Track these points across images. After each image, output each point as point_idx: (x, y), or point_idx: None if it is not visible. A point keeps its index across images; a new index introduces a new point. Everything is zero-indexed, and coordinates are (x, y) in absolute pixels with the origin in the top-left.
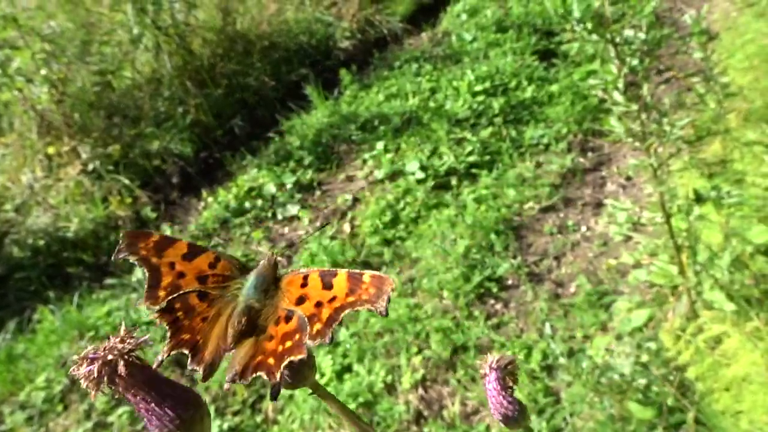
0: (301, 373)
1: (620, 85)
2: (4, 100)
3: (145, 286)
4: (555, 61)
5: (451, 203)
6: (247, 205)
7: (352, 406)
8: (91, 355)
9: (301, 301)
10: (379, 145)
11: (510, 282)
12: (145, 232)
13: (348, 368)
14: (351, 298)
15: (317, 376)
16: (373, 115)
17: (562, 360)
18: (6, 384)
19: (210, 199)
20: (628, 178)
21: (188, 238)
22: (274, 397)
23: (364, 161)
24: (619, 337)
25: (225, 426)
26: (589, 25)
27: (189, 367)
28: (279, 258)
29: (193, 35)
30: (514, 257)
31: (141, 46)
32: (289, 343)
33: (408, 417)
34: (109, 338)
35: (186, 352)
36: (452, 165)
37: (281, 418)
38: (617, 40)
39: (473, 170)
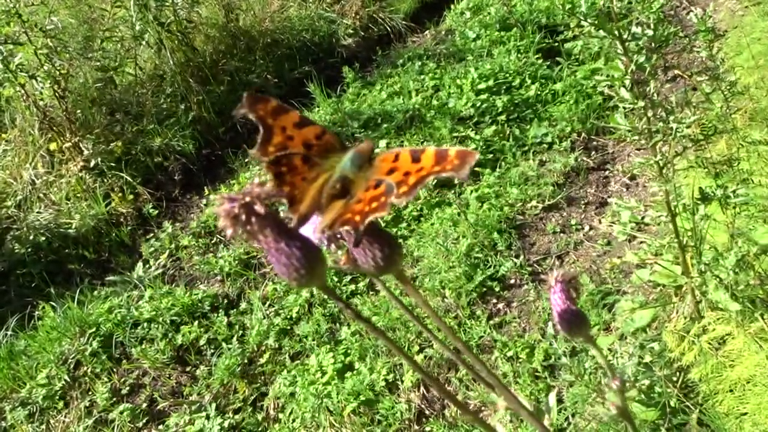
0: (392, 257)
1: (627, 81)
2: (6, 95)
3: (258, 141)
4: (559, 60)
5: (454, 202)
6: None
7: (353, 404)
8: (230, 196)
9: (390, 172)
10: (382, 143)
11: (512, 281)
12: (264, 97)
13: (350, 366)
14: (437, 168)
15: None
16: (376, 113)
17: (564, 359)
18: (7, 380)
19: (212, 197)
20: (632, 177)
21: (190, 236)
22: (357, 243)
23: None
24: (622, 337)
25: (226, 424)
26: (597, 21)
27: (283, 215)
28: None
29: (195, 32)
30: (517, 256)
31: (143, 43)
32: (375, 204)
33: (409, 416)
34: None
35: (285, 201)
36: None
37: (282, 417)
38: (625, 36)
39: (476, 169)
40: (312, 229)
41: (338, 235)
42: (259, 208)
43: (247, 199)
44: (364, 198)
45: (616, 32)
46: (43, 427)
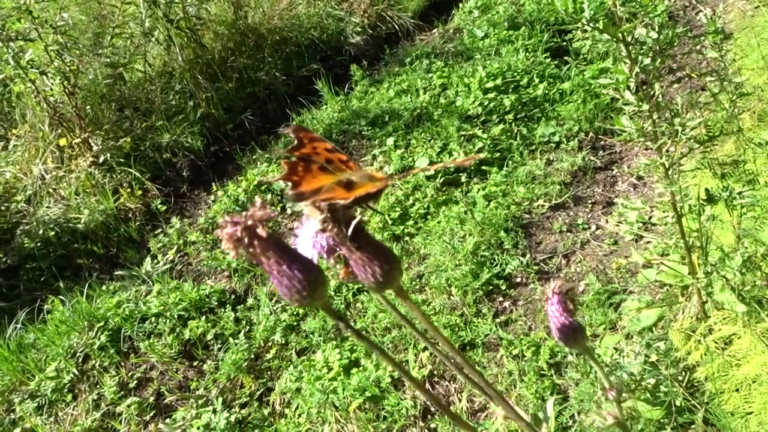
0: (391, 273)
1: (631, 84)
2: (17, 91)
3: (290, 147)
4: (567, 59)
5: (461, 200)
6: (257, 199)
7: (359, 400)
8: (234, 219)
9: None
10: (390, 141)
11: (519, 280)
12: (308, 129)
13: (356, 363)
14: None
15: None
16: (384, 111)
17: (570, 357)
18: (16, 373)
19: (219, 193)
20: (640, 178)
21: (197, 232)
22: (351, 237)
23: (374, 157)
24: (628, 337)
25: (232, 418)
26: (600, 24)
27: (286, 192)
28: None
29: (204, 29)
30: (523, 255)
31: (153, 39)
32: (367, 192)
33: (415, 412)
34: (247, 208)
35: (289, 184)
36: None
37: (288, 412)
38: (629, 39)
39: (483, 167)
40: (311, 244)
41: (337, 249)
42: (261, 231)
43: (250, 222)
44: (361, 189)
45: (620, 35)
46: (52, 419)
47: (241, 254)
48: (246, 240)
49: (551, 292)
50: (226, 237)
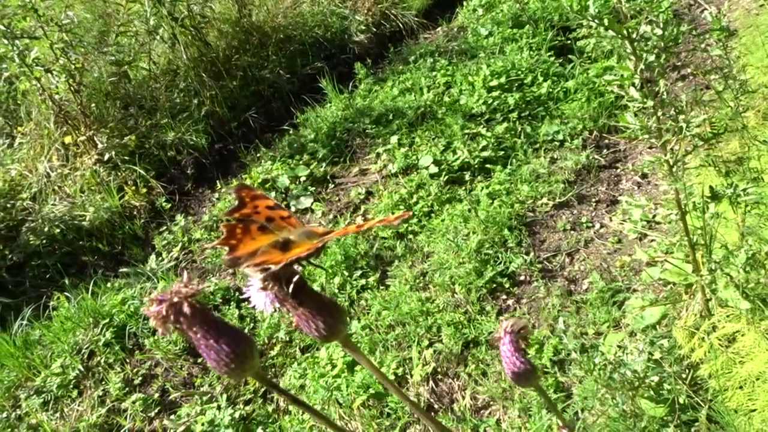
0: (334, 327)
1: (636, 81)
2: (22, 89)
3: (230, 209)
4: (571, 57)
5: (465, 198)
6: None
7: (362, 397)
8: (159, 297)
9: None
10: (393, 139)
11: (522, 278)
12: (250, 186)
13: None
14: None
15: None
16: (388, 109)
17: (574, 355)
18: (22, 369)
19: (224, 191)
20: (644, 176)
21: (202, 229)
22: (293, 294)
23: (378, 155)
24: (632, 334)
25: (237, 415)
26: (605, 22)
27: (223, 257)
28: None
29: (209, 27)
30: (527, 253)
31: (157, 38)
32: (298, 256)
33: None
34: (173, 284)
35: (226, 248)
36: (466, 160)
37: (292, 408)
38: (633, 36)
39: (487, 165)
40: (263, 295)
41: (284, 304)
42: (186, 308)
43: (175, 299)
44: (295, 252)
45: (625, 32)
46: (57, 415)
47: (169, 329)
48: (172, 317)
49: (503, 332)
50: (152, 315)
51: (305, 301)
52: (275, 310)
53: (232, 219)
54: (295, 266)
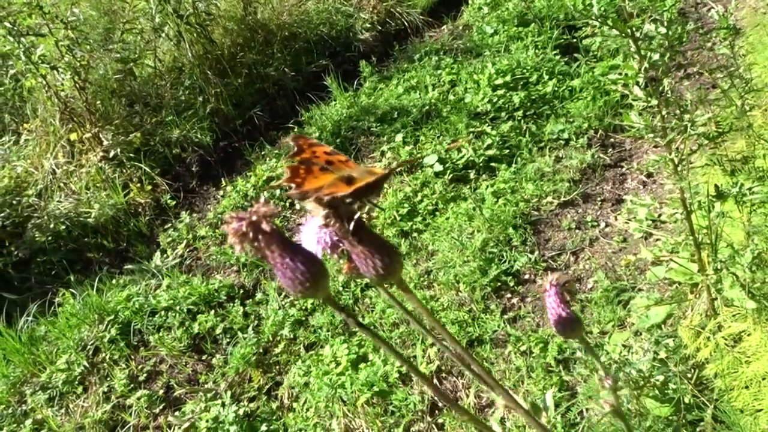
0: (392, 266)
1: (641, 80)
2: (28, 86)
3: (290, 154)
4: (577, 56)
5: (469, 196)
6: (265, 194)
7: (366, 395)
8: (239, 215)
9: None
10: (398, 138)
11: (527, 276)
12: (307, 136)
13: (363, 358)
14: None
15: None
16: (393, 107)
17: (579, 354)
18: (28, 365)
19: (228, 188)
20: (649, 175)
21: (207, 227)
22: (353, 231)
23: (383, 153)
24: (637, 334)
25: (241, 412)
26: (610, 21)
27: (290, 192)
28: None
29: (214, 24)
30: (532, 252)
31: (163, 35)
32: (367, 183)
33: (422, 407)
34: (252, 205)
35: (292, 185)
36: (471, 158)
37: (296, 406)
38: (638, 34)
39: (492, 164)
40: (315, 240)
41: (340, 244)
42: (265, 226)
43: (254, 218)
44: (361, 182)
45: (629, 31)
46: (63, 411)
47: (246, 248)
48: (251, 235)
49: (549, 285)
50: (232, 232)
51: (364, 239)
52: (325, 255)
53: (294, 162)
54: (356, 205)
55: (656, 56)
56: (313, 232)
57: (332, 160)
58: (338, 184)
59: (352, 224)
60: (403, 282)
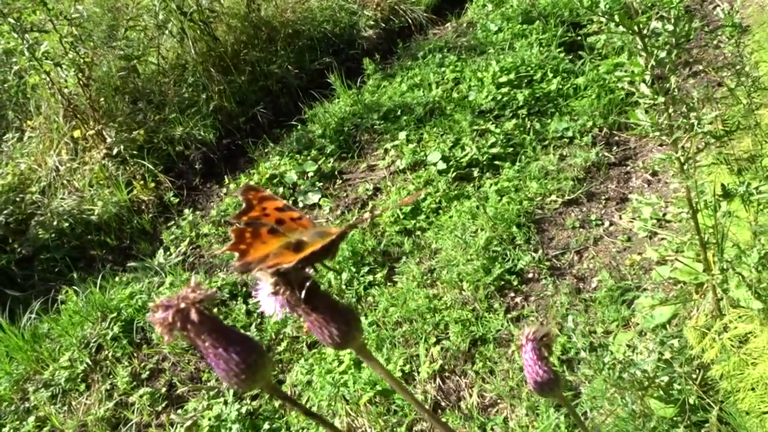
0: (349, 334)
1: (647, 77)
2: (31, 83)
3: (238, 213)
4: (581, 54)
5: (473, 195)
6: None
7: (369, 394)
8: (165, 303)
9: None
10: (402, 135)
11: (531, 275)
12: (257, 187)
13: None
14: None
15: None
16: (396, 105)
17: (583, 354)
18: (30, 362)
19: (232, 186)
20: (654, 174)
21: (210, 224)
22: (306, 299)
23: (386, 151)
24: (641, 334)
25: (243, 410)
26: (616, 17)
27: (233, 264)
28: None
29: (217, 21)
30: (536, 250)
31: (166, 32)
32: (313, 252)
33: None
34: (181, 289)
35: (236, 254)
36: (475, 156)
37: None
38: (645, 31)
39: (496, 162)
40: (273, 300)
41: (296, 309)
42: (194, 315)
43: (182, 305)
44: (308, 250)
45: (636, 28)
46: (65, 408)
47: (176, 337)
48: (179, 324)
49: (525, 339)
50: (158, 322)
51: (318, 306)
52: (285, 316)
53: (240, 223)
54: (308, 270)
55: (663, 53)
56: (267, 293)
57: (283, 219)
58: (284, 253)
59: (303, 292)
60: (364, 348)
